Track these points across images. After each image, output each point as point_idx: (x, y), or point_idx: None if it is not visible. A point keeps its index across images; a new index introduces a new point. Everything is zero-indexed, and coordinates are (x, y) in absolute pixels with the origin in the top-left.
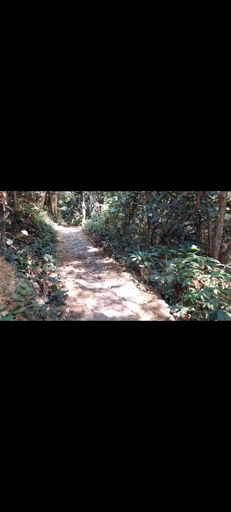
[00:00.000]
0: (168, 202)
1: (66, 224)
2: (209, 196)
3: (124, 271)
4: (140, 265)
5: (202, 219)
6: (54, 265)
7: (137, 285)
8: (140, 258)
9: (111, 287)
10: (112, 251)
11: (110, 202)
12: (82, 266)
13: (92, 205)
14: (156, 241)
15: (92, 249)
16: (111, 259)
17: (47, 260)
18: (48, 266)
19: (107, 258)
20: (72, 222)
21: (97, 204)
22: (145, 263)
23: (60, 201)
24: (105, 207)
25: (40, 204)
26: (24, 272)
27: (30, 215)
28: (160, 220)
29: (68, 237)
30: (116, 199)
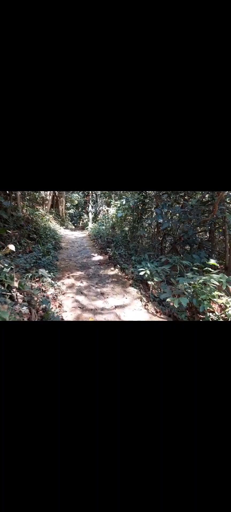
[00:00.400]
0: (180, 206)
1: (73, 227)
2: (227, 201)
3: (130, 285)
4: (149, 282)
5: (217, 225)
6: (52, 279)
7: (145, 304)
8: (148, 272)
9: (115, 307)
10: (118, 259)
11: (118, 206)
12: (84, 278)
13: (99, 208)
14: (165, 246)
15: (97, 257)
16: (116, 269)
17: (42, 274)
18: (43, 282)
19: (112, 268)
20: (81, 225)
21: (104, 208)
22: (155, 278)
23: (68, 204)
24: (112, 210)
25: (46, 207)
26: (10, 296)
27: (34, 220)
28: (170, 225)
29: (73, 242)
30: (124, 202)
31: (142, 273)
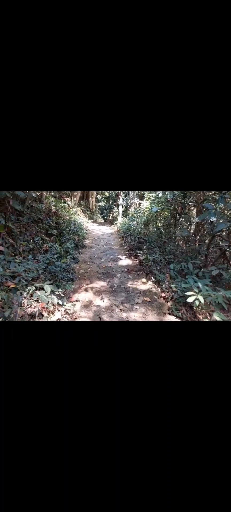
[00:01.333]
0: None
1: (102, 221)
2: None
3: (169, 309)
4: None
5: None
6: (64, 293)
7: None
8: (201, 299)
9: None
10: (151, 267)
11: (152, 198)
12: (106, 292)
13: (131, 201)
14: (204, 246)
15: (125, 261)
16: (149, 282)
17: (46, 294)
18: (46, 305)
19: (144, 279)
20: (110, 218)
21: (136, 201)
22: (216, 315)
23: (99, 196)
24: (145, 204)
25: (75, 199)
26: None
27: (59, 212)
28: (227, 226)
29: (99, 239)
30: (160, 194)
31: (190, 299)
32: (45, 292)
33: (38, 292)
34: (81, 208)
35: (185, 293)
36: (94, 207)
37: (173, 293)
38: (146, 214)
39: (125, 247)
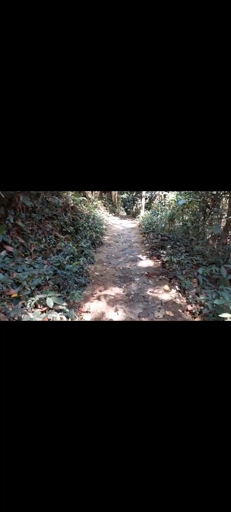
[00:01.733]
0: None
1: (125, 214)
2: None
3: None
4: None
5: None
6: (66, 312)
7: None
8: None
9: None
10: (176, 271)
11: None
12: (122, 302)
13: (155, 193)
14: None
15: (145, 262)
16: (173, 290)
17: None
18: (51, 313)
19: (167, 286)
20: (134, 210)
21: (161, 192)
22: None
23: None
24: (171, 196)
25: (95, 192)
26: None
27: (78, 207)
28: None
29: (119, 236)
30: None
31: (225, 315)
32: (40, 314)
33: (31, 315)
34: (102, 201)
35: (219, 315)
36: (116, 200)
37: (202, 307)
38: (171, 207)
39: (147, 245)
